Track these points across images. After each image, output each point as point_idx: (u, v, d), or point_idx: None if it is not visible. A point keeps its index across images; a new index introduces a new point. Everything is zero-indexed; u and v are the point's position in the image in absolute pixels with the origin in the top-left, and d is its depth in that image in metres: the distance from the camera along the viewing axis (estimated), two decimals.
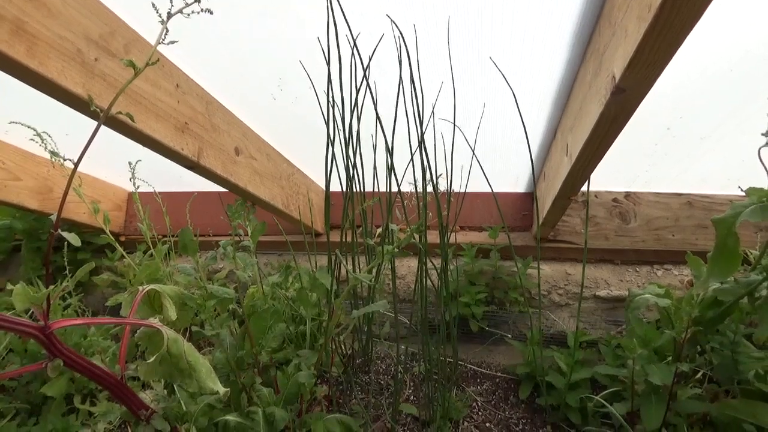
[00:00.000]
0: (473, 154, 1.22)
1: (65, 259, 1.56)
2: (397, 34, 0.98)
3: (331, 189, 1.16)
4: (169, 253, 1.65)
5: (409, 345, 1.57)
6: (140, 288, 0.82)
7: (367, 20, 0.99)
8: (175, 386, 1.08)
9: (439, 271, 1.21)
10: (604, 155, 1.02)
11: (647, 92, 0.80)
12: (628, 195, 1.64)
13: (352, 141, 1.12)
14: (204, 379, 0.76)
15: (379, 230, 1.07)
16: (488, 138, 1.34)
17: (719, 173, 1.47)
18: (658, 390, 1.05)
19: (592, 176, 1.12)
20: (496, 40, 1.02)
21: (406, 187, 1.14)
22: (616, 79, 0.78)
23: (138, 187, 1.41)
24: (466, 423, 1.34)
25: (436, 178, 1.11)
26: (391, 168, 1.13)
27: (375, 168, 1.26)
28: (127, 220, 2.03)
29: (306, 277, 1.16)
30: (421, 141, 1.04)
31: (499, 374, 1.54)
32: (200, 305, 0.99)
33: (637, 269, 1.68)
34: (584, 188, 1.16)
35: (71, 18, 0.81)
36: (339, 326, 1.37)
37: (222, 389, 0.77)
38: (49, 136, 1.10)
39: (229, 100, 1.27)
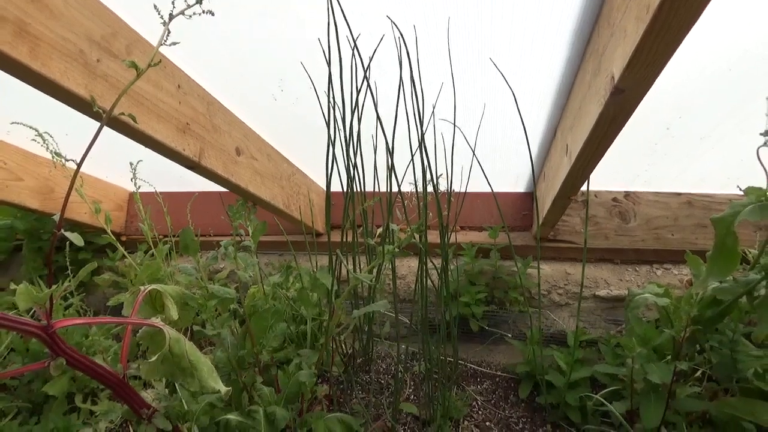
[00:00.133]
0: (473, 154, 1.22)
1: (67, 258, 1.57)
2: (398, 34, 0.99)
3: (332, 189, 1.16)
4: (170, 253, 1.66)
5: (409, 344, 1.58)
6: (142, 288, 0.82)
7: (367, 21, 0.99)
8: (176, 385, 1.08)
9: (439, 270, 1.21)
10: (603, 155, 1.02)
11: (646, 92, 0.80)
12: (627, 194, 1.65)
13: (352, 141, 1.12)
14: (205, 378, 0.76)
15: (380, 230, 1.07)
16: (488, 138, 1.35)
17: (718, 173, 1.47)
18: (658, 388, 1.05)
19: (592, 176, 1.13)
20: (496, 40, 1.02)
21: (407, 187, 1.14)
22: (615, 80, 0.78)
23: (139, 187, 1.41)
24: (466, 422, 1.34)
25: (437, 178, 1.11)
26: (391, 168, 1.13)
27: (375, 168, 1.26)
28: (128, 220, 2.03)
29: (307, 277, 1.16)
30: (422, 141, 1.05)
31: (499, 373, 1.54)
32: (201, 305, 1.00)
33: (637, 269, 1.68)
34: (584, 188, 1.17)
35: (73, 19, 0.82)
36: (340, 326, 1.37)
37: (223, 388, 0.77)
38: (51, 136, 1.10)
39: (229, 101, 1.27)
